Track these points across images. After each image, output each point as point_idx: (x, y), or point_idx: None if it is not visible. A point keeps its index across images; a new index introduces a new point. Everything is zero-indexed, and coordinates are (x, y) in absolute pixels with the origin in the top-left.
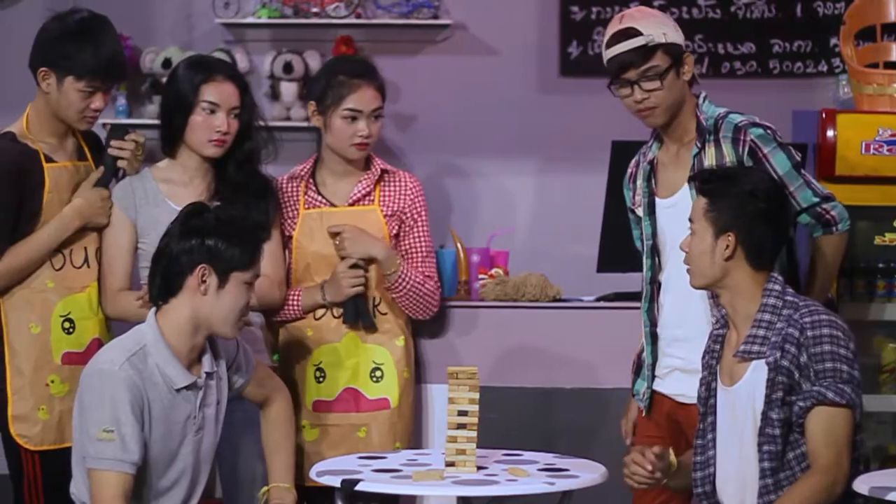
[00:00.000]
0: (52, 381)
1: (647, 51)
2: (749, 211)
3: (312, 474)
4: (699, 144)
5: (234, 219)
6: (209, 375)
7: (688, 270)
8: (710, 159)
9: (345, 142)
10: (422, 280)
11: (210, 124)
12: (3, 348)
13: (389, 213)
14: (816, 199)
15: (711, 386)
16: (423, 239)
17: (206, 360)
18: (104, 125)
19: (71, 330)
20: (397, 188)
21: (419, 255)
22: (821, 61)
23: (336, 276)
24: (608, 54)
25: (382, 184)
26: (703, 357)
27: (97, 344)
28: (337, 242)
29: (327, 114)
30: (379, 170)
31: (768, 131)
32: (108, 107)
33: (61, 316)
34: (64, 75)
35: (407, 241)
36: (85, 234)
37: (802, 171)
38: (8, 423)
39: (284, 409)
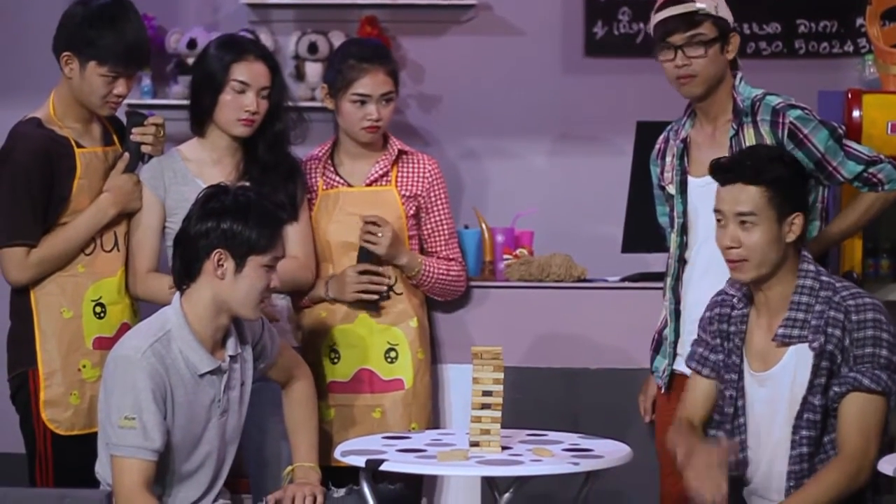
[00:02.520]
0: (84, 366)
1: (696, 18)
2: (805, 188)
3: (337, 454)
4: (735, 126)
5: (251, 201)
6: (233, 358)
7: (734, 265)
8: (749, 140)
9: (355, 125)
10: (445, 269)
11: (239, 104)
12: (34, 334)
13: (407, 194)
14: (861, 167)
15: (739, 368)
16: (444, 222)
17: (231, 343)
18: (127, 104)
19: (102, 314)
20: (415, 170)
21: (442, 238)
22: (847, 41)
23: (343, 277)
24: (656, 18)
25: (400, 164)
26: (711, 323)
27: (126, 328)
28: (369, 232)
29: (338, 97)
30: (396, 150)
31: (806, 111)
32: (133, 87)
33: (92, 300)
34: (87, 61)
35: (429, 225)
36: (115, 218)
37: (845, 142)
38: (38, 406)
39: (307, 388)
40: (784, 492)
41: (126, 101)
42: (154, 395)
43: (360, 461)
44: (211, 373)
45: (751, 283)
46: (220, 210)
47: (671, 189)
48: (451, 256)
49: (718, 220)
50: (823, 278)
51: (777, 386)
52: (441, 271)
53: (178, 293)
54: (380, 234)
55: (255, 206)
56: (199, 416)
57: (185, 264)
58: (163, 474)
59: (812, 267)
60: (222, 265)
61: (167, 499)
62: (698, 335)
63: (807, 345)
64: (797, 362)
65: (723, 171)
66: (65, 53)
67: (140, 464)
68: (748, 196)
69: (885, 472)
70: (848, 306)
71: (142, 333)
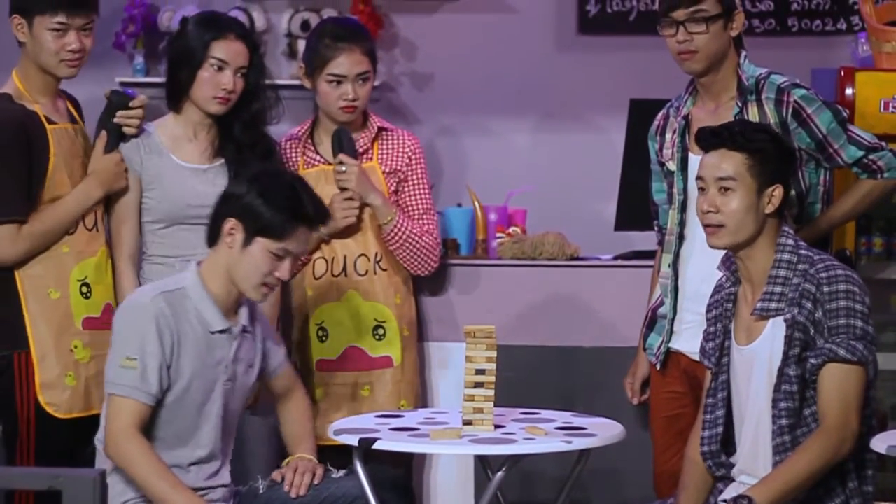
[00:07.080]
0: (76, 347)
1: None
2: (787, 159)
3: (330, 433)
4: (740, 104)
5: (285, 184)
6: (245, 330)
7: (711, 230)
8: (753, 119)
9: (331, 105)
10: (419, 233)
11: (217, 81)
12: (22, 316)
13: (388, 170)
14: (861, 153)
15: (725, 345)
16: (420, 196)
17: (244, 313)
18: (120, 82)
19: (88, 294)
20: (396, 146)
21: (416, 212)
22: (840, 19)
23: (331, 205)
24: None
25: (380, 141)
26: (709, 311)
27: (109, 309)
28: (343, 170)
29: (314, 77)
30: (376, 127)
31: (810, 91)
32: (126, 65)
33: (78, 280)
34: (32, 18)
35: (404, 199)
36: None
37: (848, 126)
38: (29, 389)
39: (306, 402)
40: (771, 467)
41: (119, 80)
42: (160, 339)
43: (353, 440)
44: (222, 332)
45: (730, 252)
46: (252, 178)
47: (671, 165)
48: (425, 229)
49: (700, 189)
50: (802, 252)
51: (758, 359)
52: (414, 232)
53: (195, 262)
54: (344, 169)
55: (285, 190)
56: (208, 371)
57: (212, 222)
58: (166, 426)
59: (790, 241)
60: (233, 234)
61: (167, 451)
62: (705, 328)
63: (782, 317)
64: (774, 335)
65: (709, 137)
66: (14, 18)
67: (134, 405)
68: (730, 161)
69: (878, 449)
70: (820, 279)
71: (154, 285)
